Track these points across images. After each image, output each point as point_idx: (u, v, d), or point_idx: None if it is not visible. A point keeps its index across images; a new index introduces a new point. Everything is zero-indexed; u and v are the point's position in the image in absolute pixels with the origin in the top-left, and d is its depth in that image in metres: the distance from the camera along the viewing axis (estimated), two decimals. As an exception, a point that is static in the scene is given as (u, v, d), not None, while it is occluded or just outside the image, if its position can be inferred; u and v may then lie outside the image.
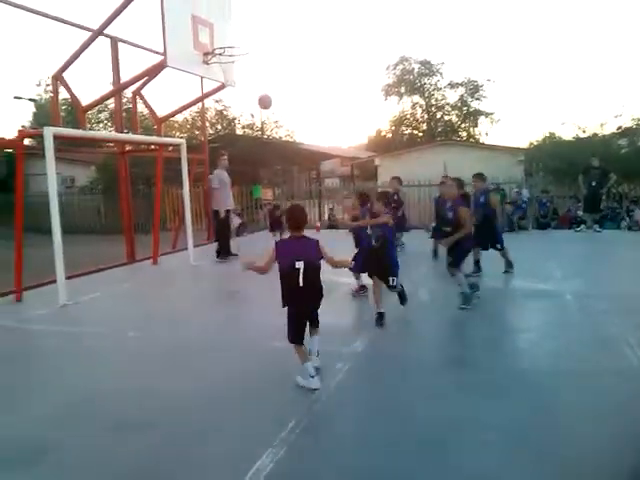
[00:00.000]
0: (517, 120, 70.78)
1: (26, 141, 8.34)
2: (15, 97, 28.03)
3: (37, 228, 12.07)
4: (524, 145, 28.43)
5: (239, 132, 29.37)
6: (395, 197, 11.19)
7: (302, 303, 4.07)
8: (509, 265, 8.08)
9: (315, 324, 4.28)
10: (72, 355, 5.24)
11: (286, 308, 4.10)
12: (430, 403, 3.84)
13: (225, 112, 30.61)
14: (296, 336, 4.09)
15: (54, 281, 7.32)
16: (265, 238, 12.73)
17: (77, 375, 4.64)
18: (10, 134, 23.81)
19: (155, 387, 4.30)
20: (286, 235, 4.28)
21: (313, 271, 4.00)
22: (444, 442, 3.29)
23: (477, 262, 8.04)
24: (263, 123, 29.24)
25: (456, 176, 8.17)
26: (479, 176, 8.22)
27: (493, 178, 13.63)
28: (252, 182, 18.62)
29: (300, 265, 3.91)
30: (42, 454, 3.27)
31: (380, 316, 5.66)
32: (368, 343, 5.13)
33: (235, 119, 30.98)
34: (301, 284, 3.93)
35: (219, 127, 30.21)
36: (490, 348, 4.98)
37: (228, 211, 10.69)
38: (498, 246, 8.01)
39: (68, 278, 7.37)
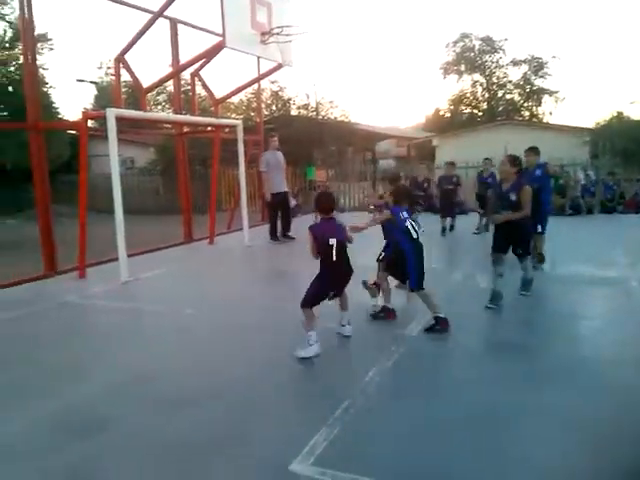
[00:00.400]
0: (583, 99, 67.78)
1: (88, 123, 8.60)
2: (78, 80, 28.88)
3: (98, 208, 12.48)
4: (590, 125, 27.17)
5: (294, 113, 29.35)
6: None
7: (336, 276, 4.50)
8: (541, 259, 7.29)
9: (345, 297, 4.71)
10: (131, 331, 5.40)
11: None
12: (485, 389, 3.74)
13: (280, 93, 30.65)
14: (315, 303, 4.47)
15: (115, 259, 7.57)
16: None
17: (135, 350, 4.78)
18: (73, 116, 24.64)
19: (209, 365, 4.38)
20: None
21: (342, 248, 4.46)
22: (501, 429, 3.19)
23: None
24: (318, 103, 29.12)
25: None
26: (533, 150, 7.53)
27: (557, 160, 13.07)
28: (306, 163, 18.60)
29: (333, 242, 4.38)
30: (102, 426, 3.38)
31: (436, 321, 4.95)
32: (424, 326, 5.04)
33: (290, 100, 30.98)
34: (334, 259, 4.38)
35: (274, 108, 30.30)
36: (550, 334, 4.81)
37: (279, 194, 10.23)
38: (539, 228, 7.20)
39: (129, 256, 7.60)
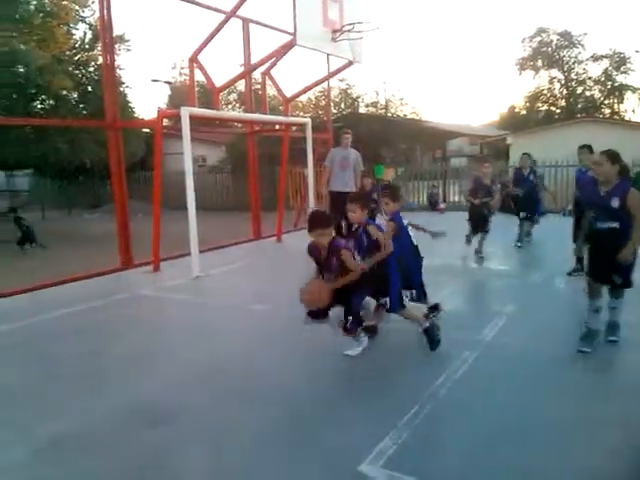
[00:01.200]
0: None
1: (163, 122, 8.88)
2: (152, 80, 29.88)
3: (170, 204, 12.85)
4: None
5: (362, 111, 29.17)
6: (493, 186, 8.23)
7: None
8: None
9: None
10: (202, 324, 5.49)
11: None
12: (559, 400, 3.53)
13: (349, 91, 30.51)
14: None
15: (187, 254, 7.75)
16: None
17: (206, 344, 4.85)
18: (148, 115, 25.56)
19: (278, 361, 4.38)
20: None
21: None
22: (575, 442, 3.00)
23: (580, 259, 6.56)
24: (388, 101, 28.82)
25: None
26: (588, 148, 6.92)
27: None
28: (374, 162, 18.42)
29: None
30: (174, 416, 3.44)
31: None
32: (498, 332, 4.83)
33: (359, 97, 30.78)
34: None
35: (342, 106, 30.21)
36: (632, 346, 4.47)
37: (341, 194, 8.31)
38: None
39: (200, 252, 7.76)
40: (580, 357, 4.23)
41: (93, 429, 3.35)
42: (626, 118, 31.47)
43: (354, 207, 4.38)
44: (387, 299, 4.37)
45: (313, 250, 4.19)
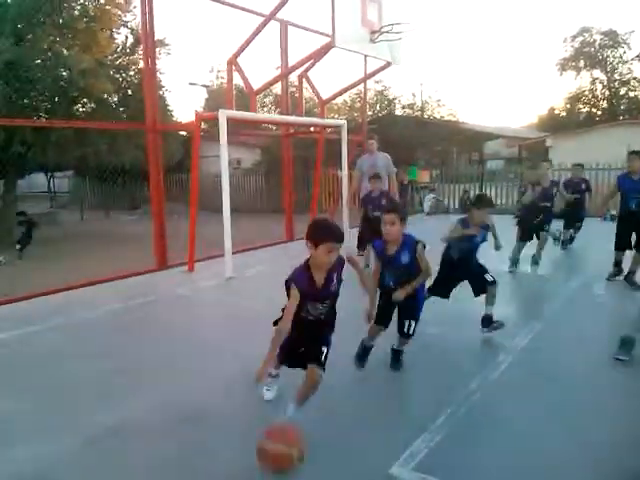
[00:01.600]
0: None
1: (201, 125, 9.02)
2: (190, 83, 30.31)
3: (204, 206, 13.01)
4: None
5: (399, 112, 29.01)
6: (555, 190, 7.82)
7: None
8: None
9: None
10: (233, 325, 5.56)
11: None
12: (595, 408, 3.44)
13: (385, 92, 30.39)
14: None
15: (221, 255, 7.85)
16: (421, 222, 12.50)
17: (236, 345, 4.88)
18: (185, 118, 25.96)
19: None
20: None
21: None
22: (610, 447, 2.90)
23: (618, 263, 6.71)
24: (424, 102, 28.60)
25: None
26: (638, 154, 6.58)
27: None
28: (408, 164, 18.27)
29: None
30: (204, 417, 3.49)
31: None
32: (533, 337, 4.74)
33: (395, 99, 30.63)
34: None
35: (378, 108, 30.12)
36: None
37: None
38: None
39: (233, 253, 7.84)
40: (617, 364, 4.12)
41: (129, 424, 3.42)
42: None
43: (393, 218, 3.71)
44: (410, 323, 3.92)
45: (302, 280, 3.08)
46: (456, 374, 3.99)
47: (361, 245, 7.81)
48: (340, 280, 3.19)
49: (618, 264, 6.69)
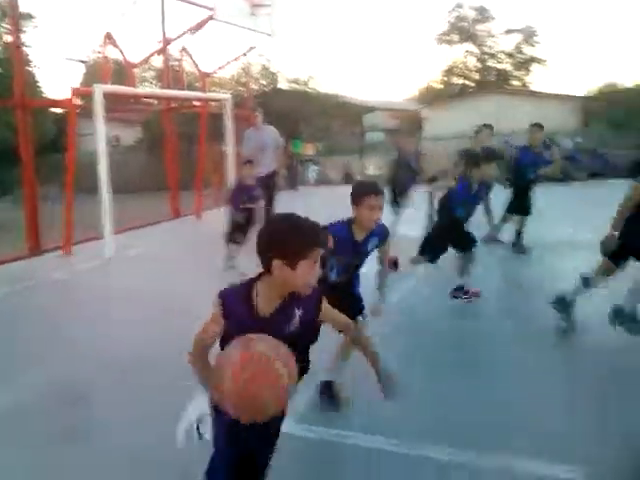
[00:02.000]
0: (573, 67, 67.09)
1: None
2: (67, 59, 28.42)
3: (81, 187, 12.37)
4: (581, 93, 27.02)
5: (284, 87, 28.96)
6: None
7: None
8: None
9: None
10: (105, 307, 5.40)
11: None
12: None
13: (266, 65, 30.10)
14: None
15: (101, 237, 7.56)
16: (310, 194, 12.69)
17: (109, 327, 4.80)
18: (61, 96, 24.30)
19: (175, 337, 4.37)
20: None
21: None
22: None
23: None
24: (310, 77, 28.73)
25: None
26: (539, 126, 6.61)
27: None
28: (291, 137, 18.42)
29: None
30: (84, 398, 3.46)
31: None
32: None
33: (278, 72, 30.43)
34: None
35: (264, 82, 29.86)
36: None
37: (263, 177, 7.60)
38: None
39: (115, 233, 7.59)
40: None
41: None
42: (532, 89, 32.91)
43: (382, 201, 3.04)
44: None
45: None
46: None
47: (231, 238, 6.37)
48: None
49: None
